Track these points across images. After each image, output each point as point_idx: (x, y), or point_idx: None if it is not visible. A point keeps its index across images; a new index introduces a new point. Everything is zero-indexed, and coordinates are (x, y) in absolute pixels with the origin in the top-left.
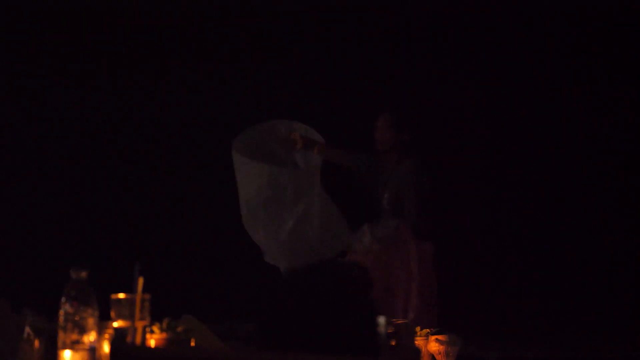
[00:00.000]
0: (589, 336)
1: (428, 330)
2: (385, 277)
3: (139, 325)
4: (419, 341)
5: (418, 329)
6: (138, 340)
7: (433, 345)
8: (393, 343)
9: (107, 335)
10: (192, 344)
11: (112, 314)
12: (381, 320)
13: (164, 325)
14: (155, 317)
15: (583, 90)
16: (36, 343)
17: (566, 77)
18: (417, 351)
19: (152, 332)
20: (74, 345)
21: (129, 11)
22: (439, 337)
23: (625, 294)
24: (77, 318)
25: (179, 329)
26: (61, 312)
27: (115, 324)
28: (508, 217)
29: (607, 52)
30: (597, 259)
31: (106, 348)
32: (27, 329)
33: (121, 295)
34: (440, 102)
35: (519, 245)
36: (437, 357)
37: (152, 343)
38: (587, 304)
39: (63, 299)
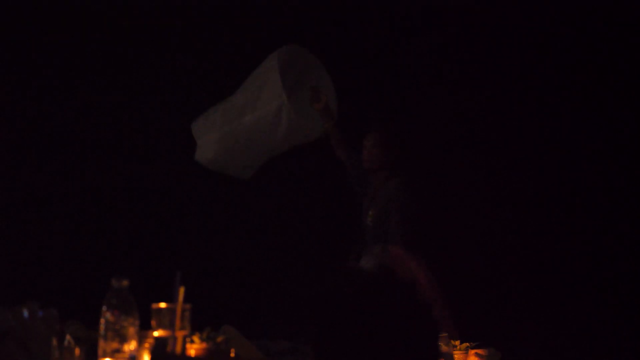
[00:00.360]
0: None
1: (467, 344)
2: None
3: (180, 335)
4: (458, 355)
5: (457, 342)
6: (178, 349)
7: (472, 359)
8: None
9: (147, 345)
10: (232, 355)
11: (153, 323)
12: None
13: (204, 335)
14: (196, 327)
15: (577, 96)
16: (77, 351)
17: (560, 87)
18: None
19: (192, 342)
20: (114, 354)
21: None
22: (479, 351)
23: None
24: (117, 327)
25: (219, 339)
26: (102, 321)
27: (156, 334)
28: (504, 233)
29: (607, 52)
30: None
31: (146, 357)
32: (68, 337)
33: (162, 305)
34: (430, 119)
35: (514, 261)
36: None
37: (192, 353)
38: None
39: (104, 308)
